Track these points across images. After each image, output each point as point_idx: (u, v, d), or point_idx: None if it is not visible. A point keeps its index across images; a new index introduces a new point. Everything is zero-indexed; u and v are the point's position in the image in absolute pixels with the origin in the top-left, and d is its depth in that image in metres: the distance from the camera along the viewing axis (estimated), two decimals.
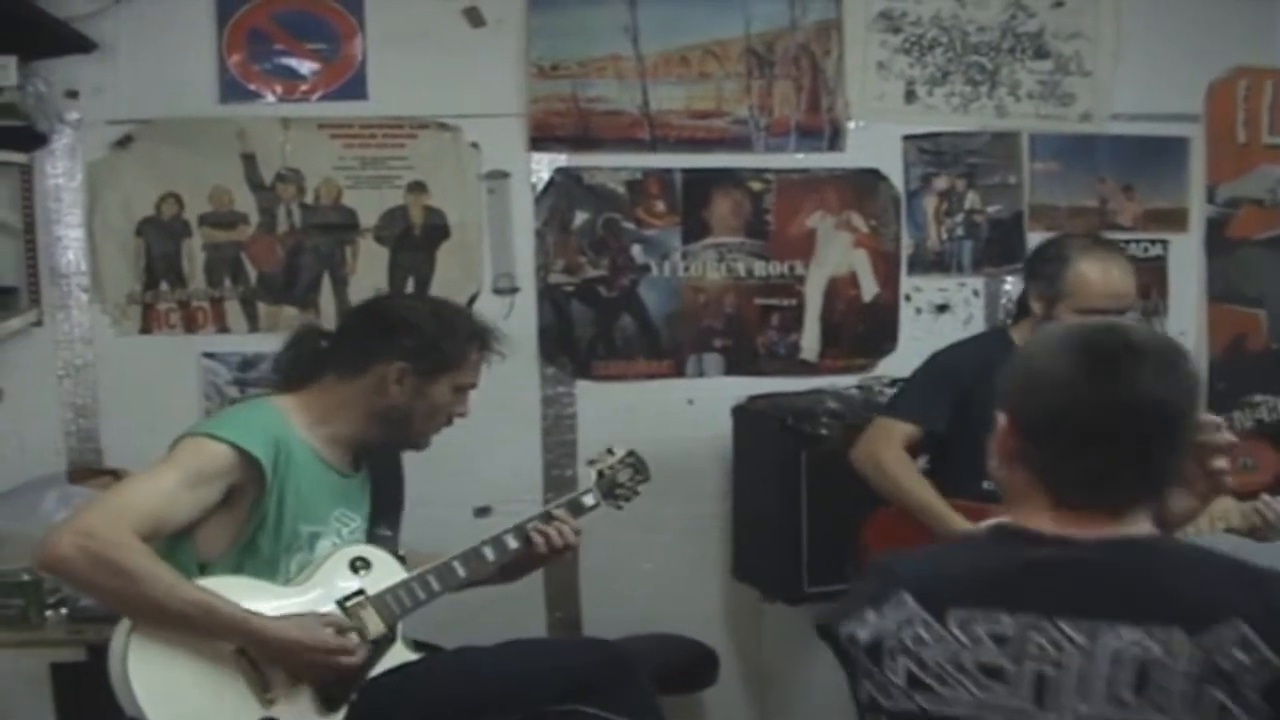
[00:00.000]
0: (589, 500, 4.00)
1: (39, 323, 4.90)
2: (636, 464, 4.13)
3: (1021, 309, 4.52)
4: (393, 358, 3.55)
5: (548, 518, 3.86)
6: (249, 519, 3.40)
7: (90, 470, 4.87)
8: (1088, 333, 2.31)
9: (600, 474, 4.07)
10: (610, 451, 4.15)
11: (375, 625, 3.47)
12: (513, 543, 3.79)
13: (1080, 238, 4.37)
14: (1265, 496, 4.11)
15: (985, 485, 3.96)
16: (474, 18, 5.05)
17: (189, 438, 3.39)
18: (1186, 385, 2.24)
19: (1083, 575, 2.15)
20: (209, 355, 5.04)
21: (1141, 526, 2.22)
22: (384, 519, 3.77)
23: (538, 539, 3.81)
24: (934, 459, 4.44)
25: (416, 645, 3.67)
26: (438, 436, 3.76)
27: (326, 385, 3.61)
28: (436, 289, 5.02)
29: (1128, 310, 4.13)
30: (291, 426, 3.51)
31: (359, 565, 3.55)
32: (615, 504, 4.08)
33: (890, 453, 4.30)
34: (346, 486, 3.65)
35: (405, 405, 3.59)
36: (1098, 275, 4.11)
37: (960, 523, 4.06)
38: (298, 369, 3.69)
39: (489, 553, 3.74)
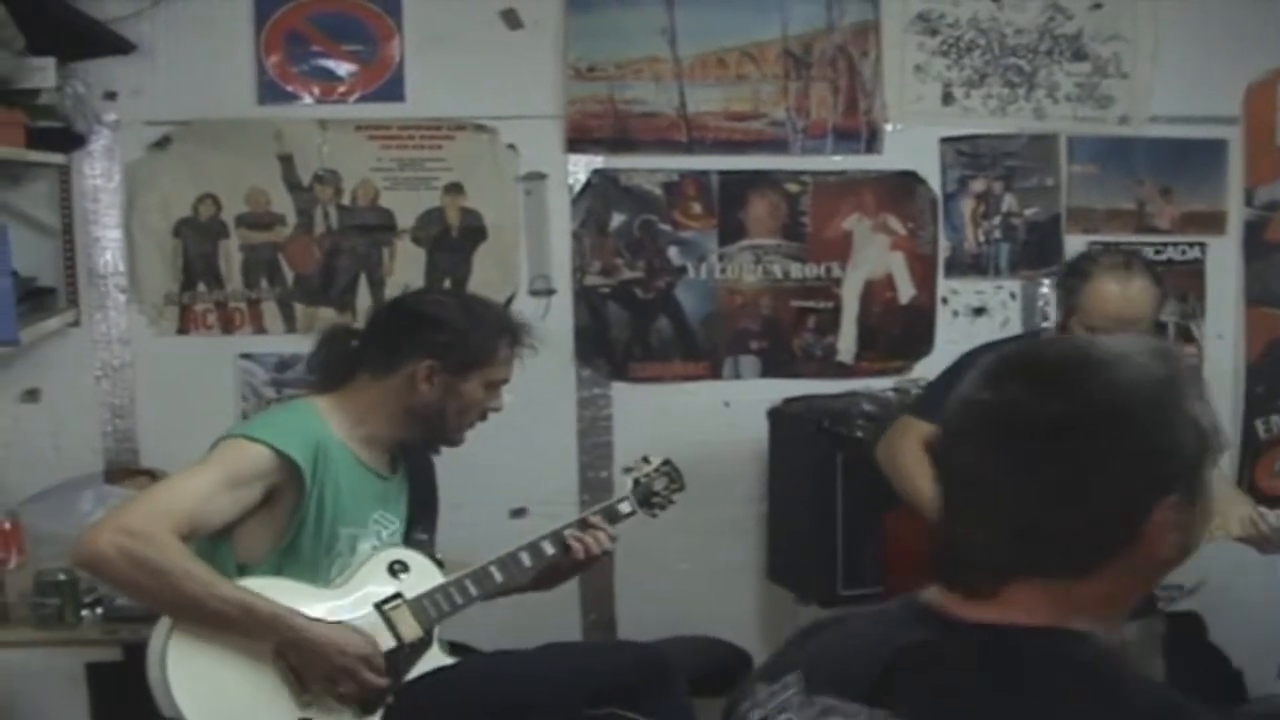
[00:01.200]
0: (625, 508, 3.99)
1: (76, 323, 4.92)
2: (672, 473, 4.12)
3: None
4: (422, 355, 3.54)
5: (584, 524, 3.85)
6: (289, 521, 3.41)
7: (127, 470, 4.89)
8: (1010, 347, 1.87)
9: (636, 482, 4.06)
10: (646, 460, 4.14)
11: (412, 629, 3.48)
12: (549, 548, 3.79)
13: (1112, 255, 4.32)
14: (1262, 509, 4.11)
15: None
16: (511, 20, 5.05)
17: (229, 439, 3.41)
18: (1109, 420, 1.69)
19: (935, 673, 1.76)
20: (246, 356, 5.06)
21: (1035, 610, 1.74)
22: (420, 523, 3.78)
23: (575, 546, 3.80)
24: None
25: (453, 647, 3.67)
26: (473, 437, 3.76)
27: (360, 385, 3.61)
28: (473, 290, 4.99)
29: (1136, 333, 4.12)
30: (330, 428, 3.52)
31: (397, 568, 3.56)
32: (650, 512, 4.07)
33: (905, 450, 4.31)
34: (385, 489, 3.65)
35: (437, 402, 3.59)
36: (1106, 297, 4.09)
37: None
38: (331, 370, 3.69)
39: (526, 558, 3.74)
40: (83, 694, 4.13)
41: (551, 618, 4.63)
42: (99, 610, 4.20)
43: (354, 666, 3.30)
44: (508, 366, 3.69)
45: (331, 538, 3.46)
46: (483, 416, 3.71)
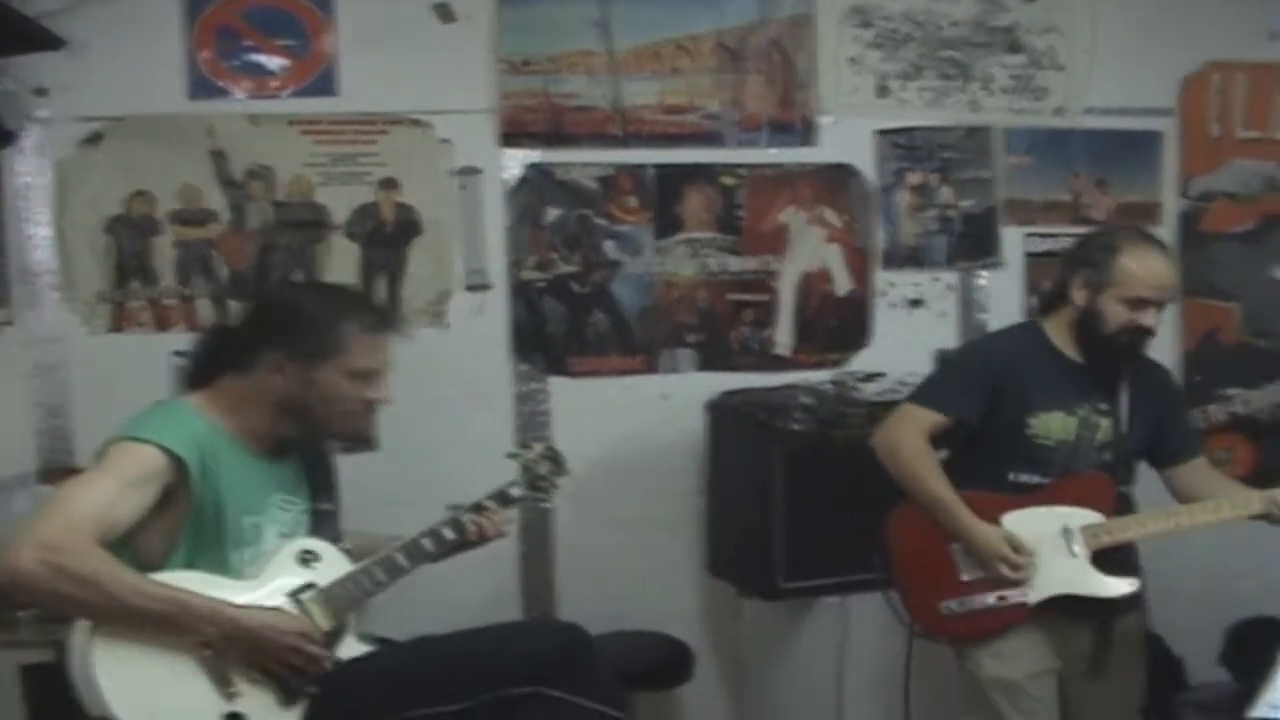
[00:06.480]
0: (515, 492, 4.01)
1: (9, 322, 4.88)
2: (555, 457, 4.13)
3: (1054, 300, 4.41)
4: (272, 348, 3.51)
5: (479, 509, 3.87)
6: (185, 519, 3.38)
7: (61, 470, 4.83)
8: None
9: (525, 467, 4.06)
10: (528, 446, 4.19)
11: (327, 617, 3.47)
12: (449, 534, 3.79)
13: (1127, 229, 4.36)
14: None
15: (1010, 477, 4.06)
16: (444, 13, 5.03)
17: (115, 443, 3.36)
18: None
19: None
20: (180, 354, 4.98)
21: None
22: (321, 495, 3.77)
23: (471, 529, 3.83)
24: (956, 450, 4.36)
25: (375, 641, 3.67)
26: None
27: (227, 382, 3.57)
28: (408, 286, 5.03)
29: (1169, 301, 4.15)
30: (210, 422, 3.49)
31: (308, 558, 3.54)
32: (538, 496, 4.08)
33: (910, 442, 4.20)
34: (281, 472, 3.64)
35: (297, 394, 3.52)
36: (1146, 266, 4.07)
37: (970, 518, 4.04)
38: (197, 368, 3.66)
39: (427, 544, 3.74)
40: (16, 695, 4.11)
41: (492, 612, 4.62)
42: (33, 611, 4.17)
43: (297, 644, 3.31)
44: (370, 356, 3.60)
45: (236, 529, 3.44)
46: (368, 410, 3.67)
